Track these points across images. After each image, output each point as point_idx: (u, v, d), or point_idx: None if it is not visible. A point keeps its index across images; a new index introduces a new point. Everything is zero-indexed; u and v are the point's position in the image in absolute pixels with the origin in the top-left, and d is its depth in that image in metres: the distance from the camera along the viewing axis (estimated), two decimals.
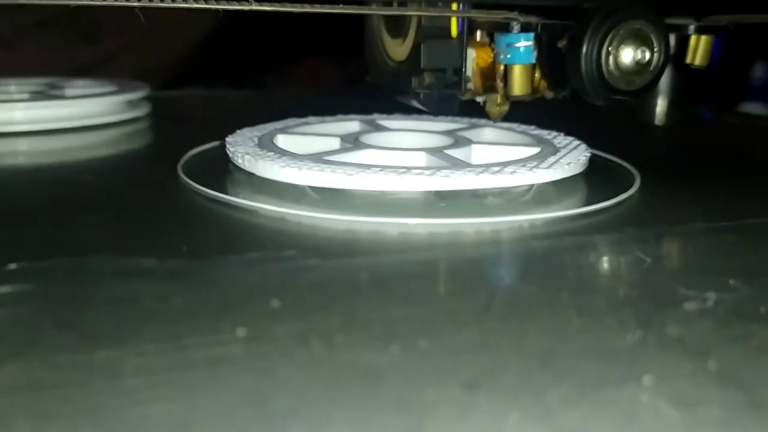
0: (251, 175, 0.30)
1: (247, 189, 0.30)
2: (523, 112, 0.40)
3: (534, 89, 0.34)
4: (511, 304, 0.19)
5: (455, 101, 0.34)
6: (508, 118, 0.38)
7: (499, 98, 0.35)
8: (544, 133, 0.37)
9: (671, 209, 0.29)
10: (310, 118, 0.40)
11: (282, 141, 0.35)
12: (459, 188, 0.28)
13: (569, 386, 0.15)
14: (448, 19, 0.33)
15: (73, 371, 0.16)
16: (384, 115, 0.41)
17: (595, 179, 0.32)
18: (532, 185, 0.29)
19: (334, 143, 0.34)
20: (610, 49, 0.31)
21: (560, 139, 0.35)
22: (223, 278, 0.20)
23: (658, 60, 0.32)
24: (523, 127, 0.38)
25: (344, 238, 0.25)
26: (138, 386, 0.15)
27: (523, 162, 0.30)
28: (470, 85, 0.35)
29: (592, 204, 0.28)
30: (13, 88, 0.49)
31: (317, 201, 0.28)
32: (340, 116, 0.40)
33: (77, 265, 0.21)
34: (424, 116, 0.41)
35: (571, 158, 0.31)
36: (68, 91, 0.47)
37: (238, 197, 0.28)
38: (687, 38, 0.37)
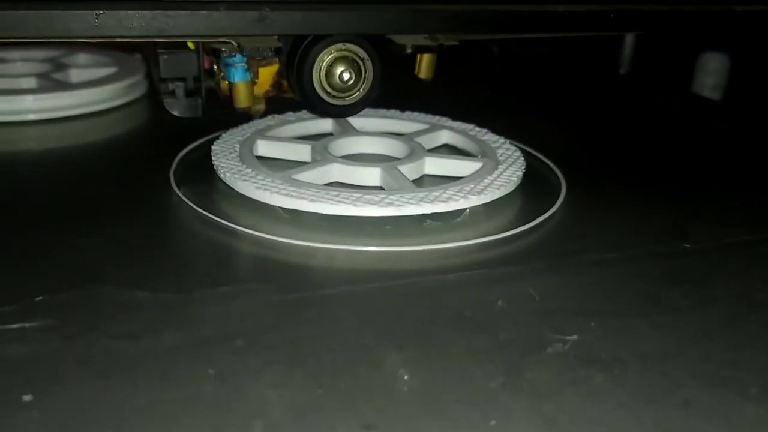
0: (232, 188, 0.36)
1: (228, 203, 0.36)
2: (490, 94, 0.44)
3: (285, 90, 0.40)
4: (418, 347, 0.25)
5: (198, 105, 0.39)
6: (479, 101, 0.43)
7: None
8: (492, 140, 0.42)
9: (582, 233, 0.35)
10: (289, 115, 0.45)
11: (261, 148, 0.40)
12: (401, 214, 0.33)
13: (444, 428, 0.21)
14: None
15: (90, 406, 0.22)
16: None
17: (525, 192, 0.37)
18: (466, 209, 0.35)
19: (306, 152, 0.39)
20: (318, 69, 0.36)
21: (503, 150, 0.40)
22: (201, 315, 0.27)
23: (367, 80, 0.37)
24: (476, 130, 0.43)
25: (300, 266, 0.31)
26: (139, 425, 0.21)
27: (460, 186, 0.35)
28: (220, 88, 0.40)
29: (514, 228, 0.34)
30: (19, 64, 0.54)
31: (286, 220, 0.34)
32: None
33: (86, 298, 0.27)
34: (391, 111, 0.46)
35: (505, 179, 0.36)
36: (73, 73, 0.52)
37: (220, 216, 0.34)
38: None
